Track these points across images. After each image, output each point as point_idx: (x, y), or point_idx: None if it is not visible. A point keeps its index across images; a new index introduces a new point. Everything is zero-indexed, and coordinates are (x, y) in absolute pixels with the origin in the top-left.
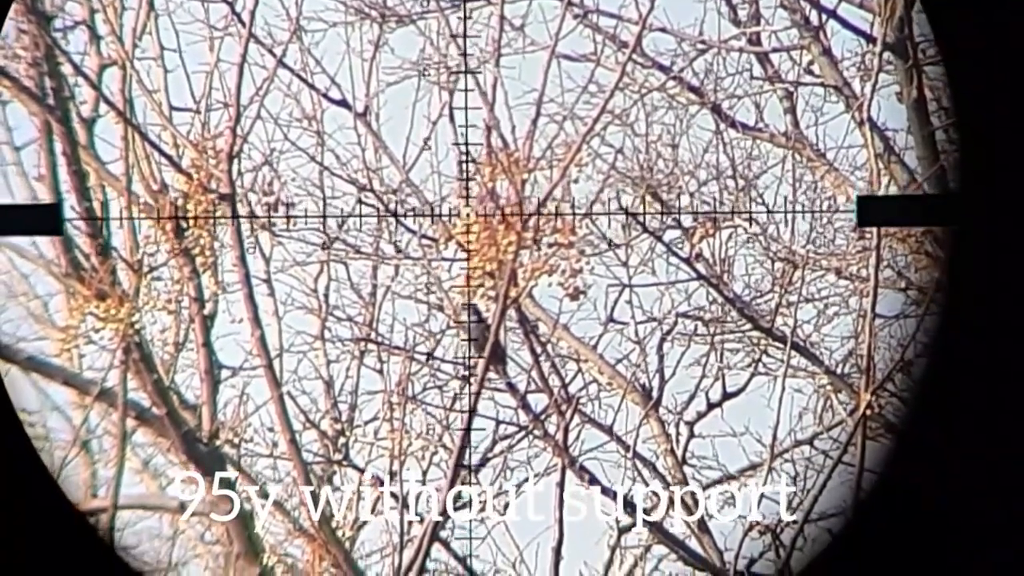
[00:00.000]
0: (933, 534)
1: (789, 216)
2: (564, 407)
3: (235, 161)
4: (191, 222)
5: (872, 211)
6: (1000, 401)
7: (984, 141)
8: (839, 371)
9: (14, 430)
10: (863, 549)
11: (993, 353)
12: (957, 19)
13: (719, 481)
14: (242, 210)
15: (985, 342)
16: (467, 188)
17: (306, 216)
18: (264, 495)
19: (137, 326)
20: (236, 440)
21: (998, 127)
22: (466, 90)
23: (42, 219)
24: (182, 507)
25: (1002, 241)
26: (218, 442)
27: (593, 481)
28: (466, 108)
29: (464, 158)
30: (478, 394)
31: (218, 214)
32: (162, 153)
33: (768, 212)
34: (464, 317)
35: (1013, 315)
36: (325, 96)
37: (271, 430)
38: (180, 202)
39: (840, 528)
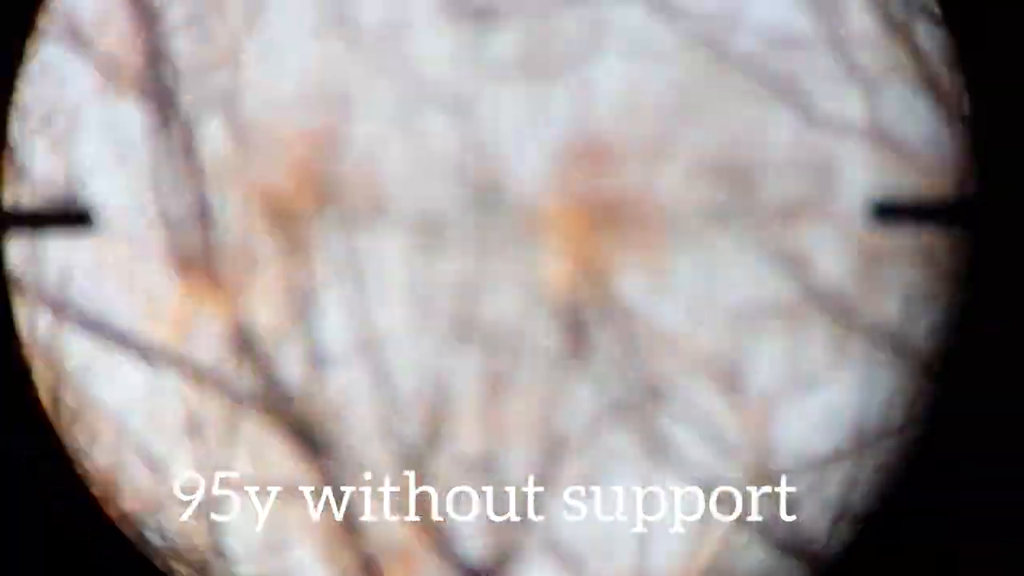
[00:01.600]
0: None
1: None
2: None
3: None
4: None
5: (882, 214)
6: (1010, 410)
7: (998, 145)
8: None
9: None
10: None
11: (1001, 357)
12: (970, 21)
13: None
14: None
15: (994, 347)
16: None
17: None
18: None
19: None
20: None
21: (1012, 130)
22: None
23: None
24: None
25: (1015, 246)
26: None
27: None
28: None
29: None
30: None
31: None
32: None
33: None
34: None
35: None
36: None
37: None
38: None
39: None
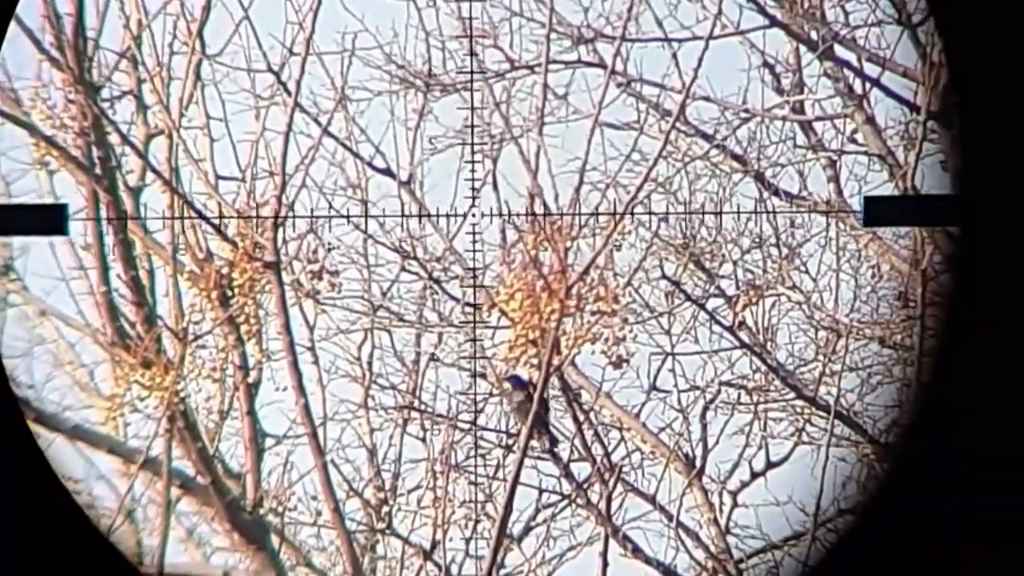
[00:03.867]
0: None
1: (831, 282)
2: (607, 475)
3: (280, 229)
4: (236, 290)
5: (878, 211)
6: (1005, 405)
7: (987, 143)
8: (883, 440)
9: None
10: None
11: (997, 354)
12: (962, 20)
13: (763, 550)
14: (287, 278)
15: (988, 343)
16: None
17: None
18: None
19: (182, 394)
20: (280, 508)
21: (1001, 129)
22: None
23: (47, 219)
24: None
25: (1006, 242)
26: (262, 511)
27: (636, 550)
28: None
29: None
30: (521, 463)
31: (263, 282)
32: (208, 221)
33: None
34: (507, 385)
35: (1017, 316)
36: (369, 164)
37: (315, 498)
38: (225, 270)
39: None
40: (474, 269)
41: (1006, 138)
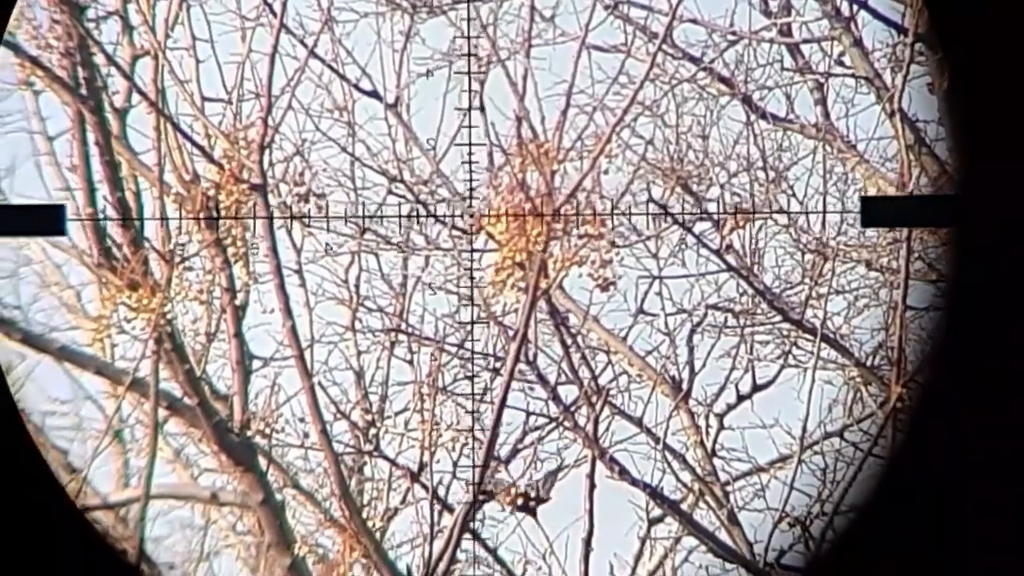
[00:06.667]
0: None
1: (818, 205)
2: (594, 399)
3: (267, 151)
4: (223, 212)
5: (875, 211)
6: (1004, 404)
7: (985, 143)
8: (869, 363)
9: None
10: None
11: (995, 354)
12: (958, 20)
13: (749, 473)
14: (273, 200)
15: (987, 344)
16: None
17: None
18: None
19: (169, 316)
20: (267, 430)
21: (998, 129)
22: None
23: (46, 220)
24: (214, 497)
25: (1004, 242)
26: (249, 432)
27: (623, 472)
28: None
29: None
30: (508, 386)
31: (250, 204)
32: (194, 143)
33: (780, 212)
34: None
35: (1015, 316)
36: (356, 87)
37: (302, 420)
38: (212, 192)
39: (866, 520)
40: (461, 193)
41: (1004, 139)
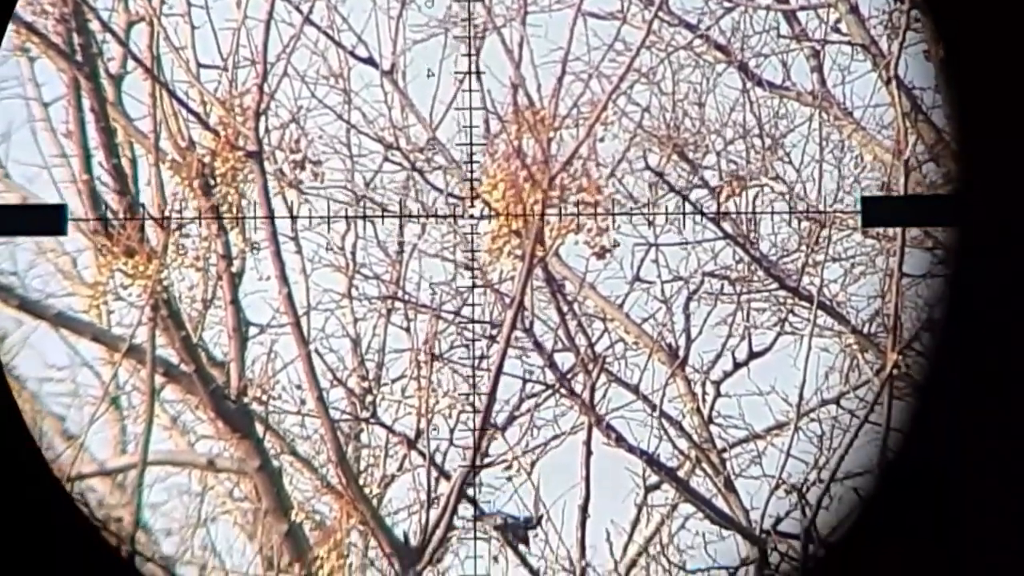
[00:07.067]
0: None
1: (814, 173)
2: (591, 366)
3: (262, 118)
4: (219, 179)
5: (876, 211)
6: (1004, 404)
7: (985, 142)
8: (866, 330)
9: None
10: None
11: (996, 353)
12: (958, 20)
13: (745, 440)
14: (269, 167)
15: (987, 344)
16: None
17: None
18: (292, 451)
19: (165, 283)
20: (264, 397)
21: (999, 128)
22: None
23: (46, 220)
24: (211, 463)
25: (1004, 242)
26: (246, 399)
27: (620, 439)
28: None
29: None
30: (504, 353)
31: (246, 171)
32: (189, 110)
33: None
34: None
35: (1015, 316)
36: (352, 54)
37: (299, 387)
38: (207, 159)
39: (867, 490)
40: (457, 160)
41: (1004, 139)
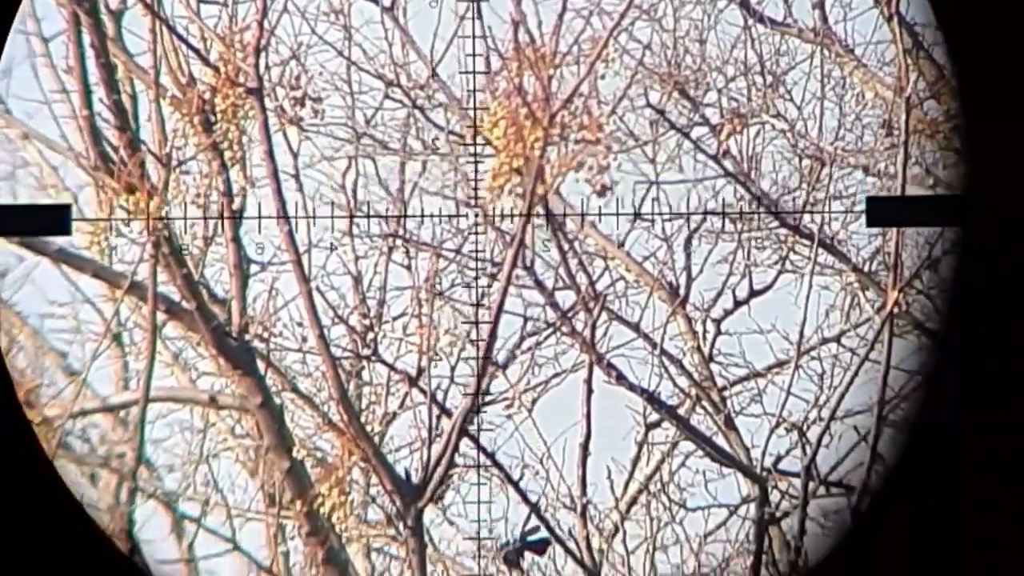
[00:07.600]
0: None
1: (815, 110)
2: (592, 304)
3: (262, 55)
4: (219, 116)
5: (881, 211)
6: (1004, 404)
7: (992, 142)
8: (866, 269)
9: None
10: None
11: (997, 353)
12: (964, 20)
13: (746, 378)
14: (270, 104)
15: (990, 343)
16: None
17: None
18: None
19: (166, 220)
20: (265, 334)
21: (1006, 128)
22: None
23: (50, 220)
24: (213, 400)
25: (1009, 242)
26: (247, 336)
27: (620, 378)
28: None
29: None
30: (505, 291)
31: (246, 107)
32: (189, 46)
33: (777, 213)
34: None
35: (1019, 316)
36: None
37: (300, 325)
38: (208, 95)
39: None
40: (458, 97)
41: (1010, 139)
